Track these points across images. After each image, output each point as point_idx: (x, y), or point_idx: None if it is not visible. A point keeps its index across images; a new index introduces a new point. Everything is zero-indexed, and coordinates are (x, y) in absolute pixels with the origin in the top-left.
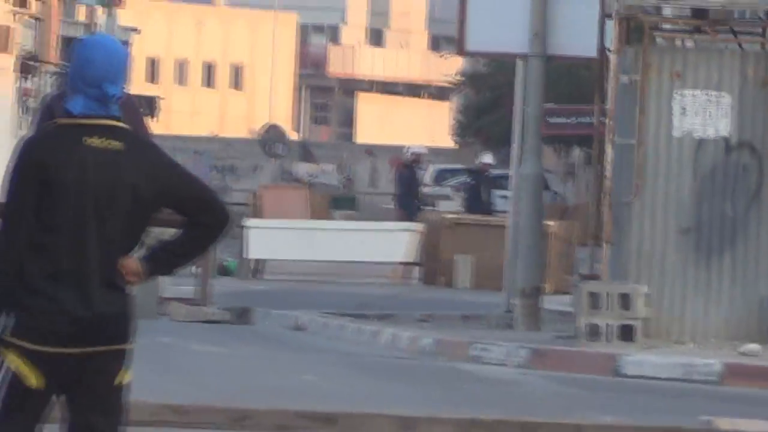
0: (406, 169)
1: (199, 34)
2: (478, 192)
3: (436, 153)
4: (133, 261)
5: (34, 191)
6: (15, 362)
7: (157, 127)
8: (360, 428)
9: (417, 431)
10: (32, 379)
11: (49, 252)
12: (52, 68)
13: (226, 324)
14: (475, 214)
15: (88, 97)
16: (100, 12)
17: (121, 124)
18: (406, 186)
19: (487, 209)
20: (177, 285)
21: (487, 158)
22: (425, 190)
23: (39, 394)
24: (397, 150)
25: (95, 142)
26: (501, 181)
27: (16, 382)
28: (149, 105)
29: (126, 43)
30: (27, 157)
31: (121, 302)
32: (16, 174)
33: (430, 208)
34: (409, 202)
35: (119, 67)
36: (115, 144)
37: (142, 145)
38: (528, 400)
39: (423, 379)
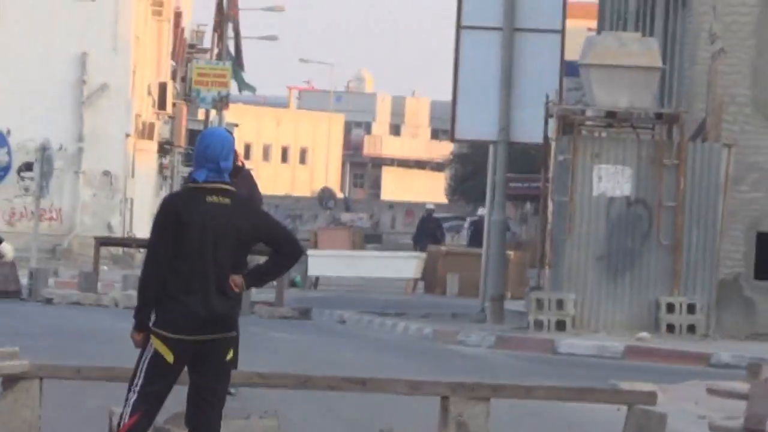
0: (424, 219)
1: (278, 127)
2: (479, 232)
3: (437, 206)
4: (238, 277)
5: (171, 232)
6: (156, 344)
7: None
8: (383, 388)
9: (423, 390)
10: (168, 356)
11: (182, 272)
12: (180, 149)
13: (294, 319)
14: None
15: (208, 170)
16: (213, 112)
17: (229, 187)
18: (420, 229)
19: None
20: (261, 293)
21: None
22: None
23: (172, 368)
24: (409, 205)
25: (213, 199)
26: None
27: (157, 358)
28: (247, 174)
29: (230, 132)
30: (167, 208)
31: (230, 305)
32: (160, 220)
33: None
34: (420, 239)
35: (228, 149)
36: (226, 200)
37: (243, 201)
38: (495, 370)
39: (425, 356)
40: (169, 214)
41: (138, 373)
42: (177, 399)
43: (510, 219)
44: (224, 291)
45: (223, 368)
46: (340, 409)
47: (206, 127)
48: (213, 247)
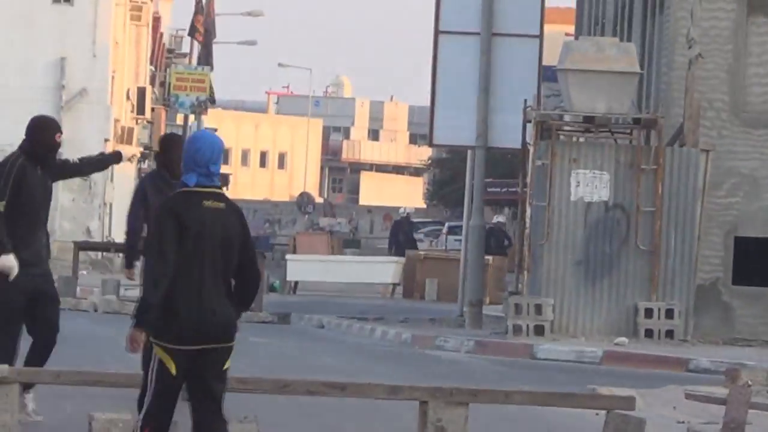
0: (399, 222)
1: (256, 132)
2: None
3: (415, 211)
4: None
5: (175, 232)
6: (161, 354)
7: (228, 194)
8: (362, 393)
9: (401, 395)
10: (172, 367)
11: (181, 280)
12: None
13: (273, 324)
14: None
15: (199, 174)
16: (192, 117)
17: (221, 191)
18: (397, 233)
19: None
20: None
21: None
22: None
23: (176, 378)
24: (388, 210)
25: (210, 204)
26: (458, 229)
27: (162, 369)
28: (224, 180)
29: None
30: (169, 211)
31: (230, 312)
32: (164, 221)
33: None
34: (397, 243)
35: (218, 153)
36: (221, 205)
37: (234, 206)
38: (473, 375)
39: (404, 361)
40: (170, 215)
41: (149, 384)
42: None
43: (503, 224)
44: (223, 301)
45: (221, 378)
46: (319, 414)
47: (190, 132)
48: (211, 252)
